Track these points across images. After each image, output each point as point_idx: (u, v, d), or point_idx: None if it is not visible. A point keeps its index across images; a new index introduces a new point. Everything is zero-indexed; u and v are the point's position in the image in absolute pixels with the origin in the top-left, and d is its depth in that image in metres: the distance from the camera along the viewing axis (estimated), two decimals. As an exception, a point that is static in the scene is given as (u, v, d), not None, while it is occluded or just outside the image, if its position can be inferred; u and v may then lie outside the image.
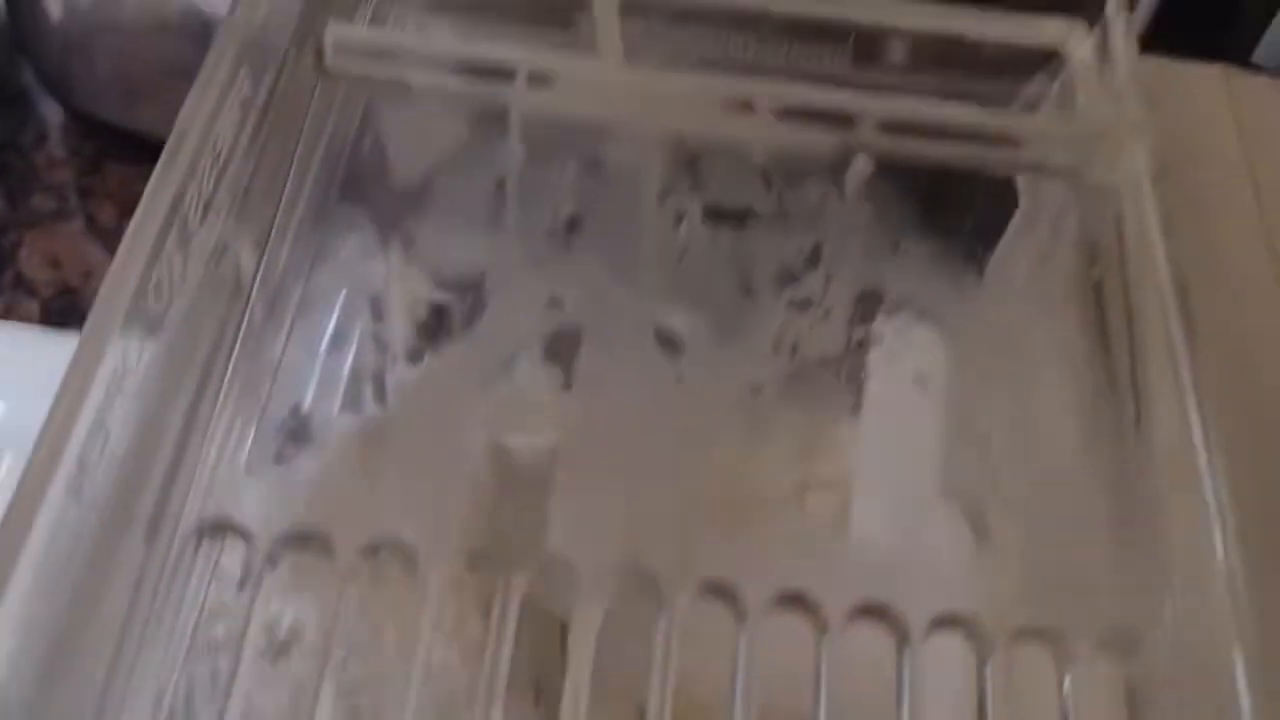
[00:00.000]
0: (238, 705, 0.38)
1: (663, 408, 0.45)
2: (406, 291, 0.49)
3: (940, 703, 0.39)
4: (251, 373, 0.42)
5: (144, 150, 0.74)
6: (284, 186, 0.44)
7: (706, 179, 0.49)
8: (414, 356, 0.50)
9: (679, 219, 0.49)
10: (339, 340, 0.49)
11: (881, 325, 0.49)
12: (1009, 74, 0.50)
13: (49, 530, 0.34)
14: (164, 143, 0.41)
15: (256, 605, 0.39)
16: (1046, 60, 0.50)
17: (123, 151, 0.75)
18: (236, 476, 0.40)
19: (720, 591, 0.39)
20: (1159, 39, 0.72)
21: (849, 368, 0.48)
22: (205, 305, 0.41)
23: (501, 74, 0.45)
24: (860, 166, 0.47)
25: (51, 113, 0.78)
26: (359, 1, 0.48)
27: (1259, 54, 0.74)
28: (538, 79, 0.44)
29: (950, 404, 0.47)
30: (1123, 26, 0.48)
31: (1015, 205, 0.49)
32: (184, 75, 0.72)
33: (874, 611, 0.39)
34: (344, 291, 0.48)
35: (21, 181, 0.74)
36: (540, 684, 0.40)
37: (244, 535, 0.39)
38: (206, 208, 0.41)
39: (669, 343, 0.47)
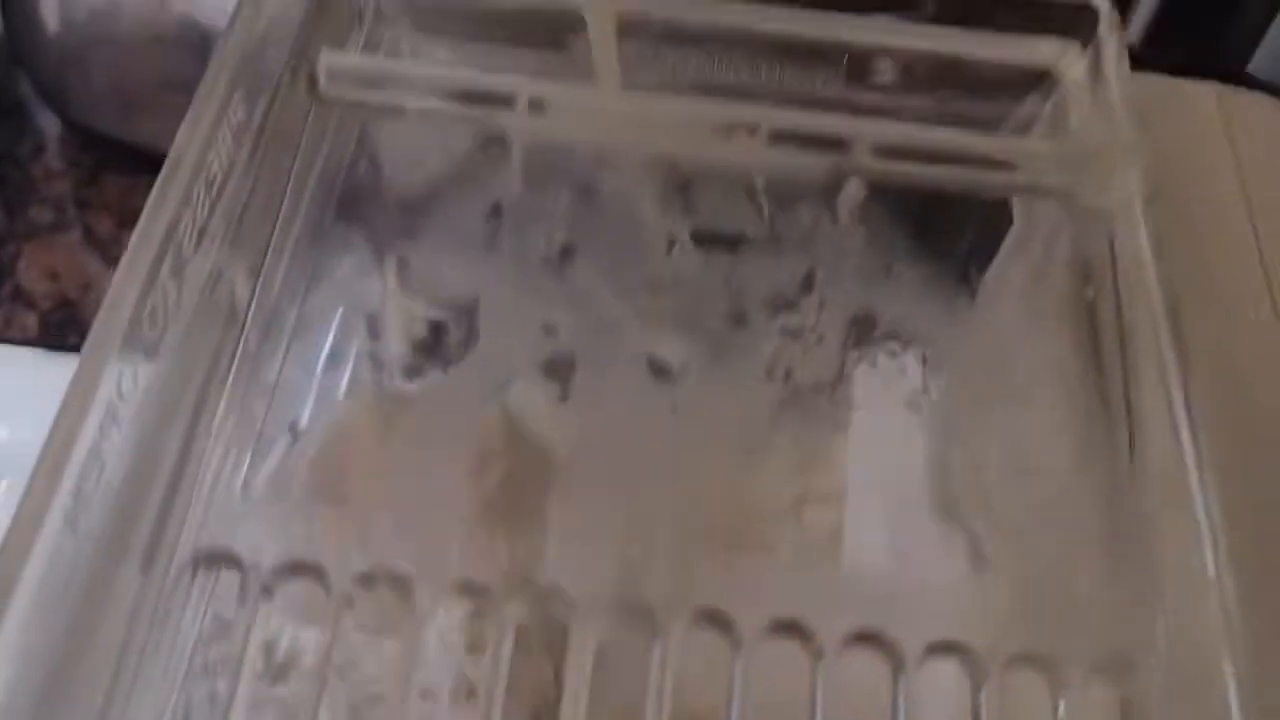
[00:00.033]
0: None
1: (657, 435, 0.45)
2: (403, 309, 0.49)
3: (935, 728, 0.39)
4: (247, 398, 0.43)
5: (142, 162, 0.74)
6: (279, 211, 0.44)
7: (699, 204, 0.49)
8: (410, 374, 0.50)
9: (671, 244, 0.49)
10: (335, 359, 0.49)
11: (873, 349, 0.49)
12: (1002, 94, 0.50)
13: (45, 562, 0.34)
14: (162, 155, 0.41)
15: (254, 629, 0.39)
16: (1040, 80, 0.50)
17: (120, 163, 0.75)
18: (232, 506, 0.41)
19: (715, 619, 0.39)
20: (1155, 48, 0.72)
21: (843, 392, 0.48)
22: (200, 332, 0.41)
23: (496, 100, 0.44)
24: (853, 190, 0.47)
25: (49, 124, 0.78)
26: (352, 25, 0.47)
27: (1255, 64, 0.74)
28: (532, 105, 0.44)
29: (943, 427, 0.47)
30: (1115, 47, 0.48)
31: (1009, 226, 0.49)
32: (181, 87, 0.72)
33: (869, 639, 0.39)
34: (340, 310, 0.48)
35: (19, 193, 0.74)
36: (537, 714, 0.40)
37: (239, 566, 0.39)
38: (201, 234, 0.41)
39: (663, 370, 0.47)
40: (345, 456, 0.47)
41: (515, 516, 0.41)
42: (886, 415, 0.48)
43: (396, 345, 0.49)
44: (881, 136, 0.44)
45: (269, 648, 0.41)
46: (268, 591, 0.39)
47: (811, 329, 0.49)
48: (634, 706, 0.38)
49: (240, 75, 0.43)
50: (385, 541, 0.40)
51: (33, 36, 0.73)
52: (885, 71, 0.50)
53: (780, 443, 0.47)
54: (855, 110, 0.49)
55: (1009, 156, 0.45)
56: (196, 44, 0.72)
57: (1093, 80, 0.48)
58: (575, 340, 0.47)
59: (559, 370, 0.47)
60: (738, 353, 0.49)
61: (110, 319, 0.37)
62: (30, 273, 0.71)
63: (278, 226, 0.44)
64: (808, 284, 0.50)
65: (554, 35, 0.49)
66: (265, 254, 0.44)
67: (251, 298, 0.43)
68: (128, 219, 0.74)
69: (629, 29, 0.46)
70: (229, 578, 0.39)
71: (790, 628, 0.39)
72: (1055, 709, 0.39)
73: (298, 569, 0.39)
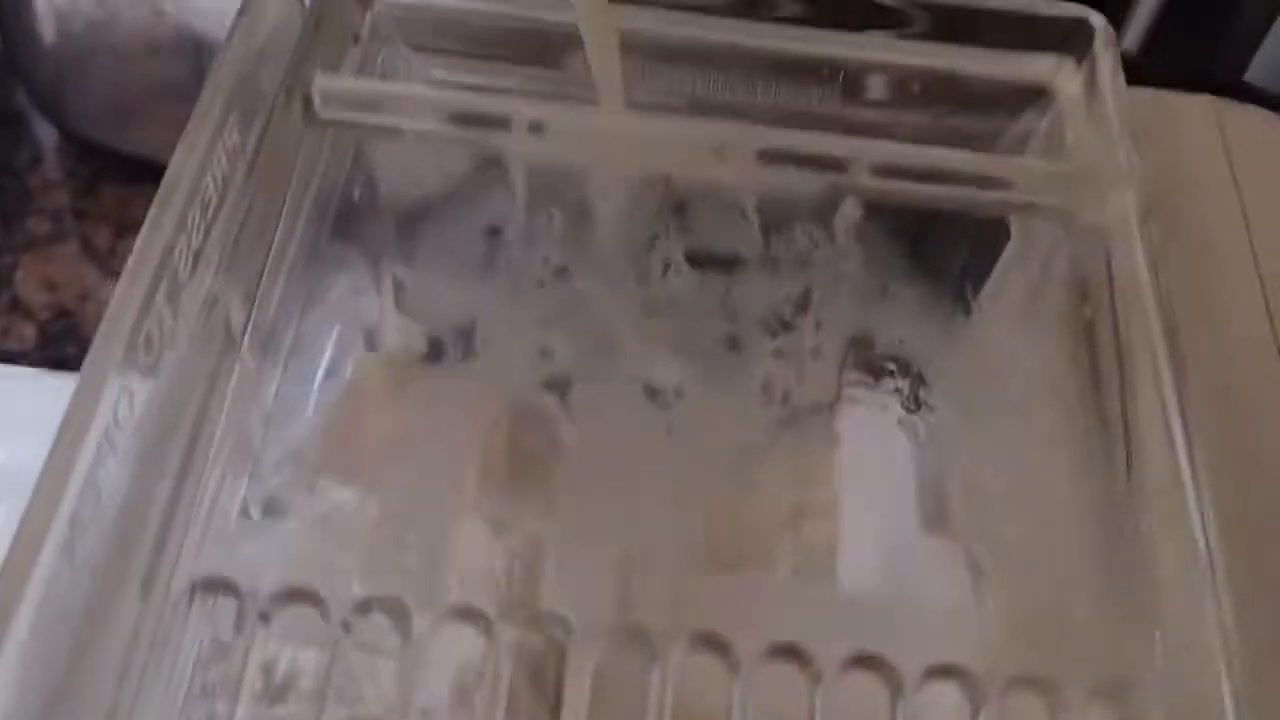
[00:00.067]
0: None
1: (654, 458, 0.45)
2: (400, 329, 0.49)
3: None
4: (243, 423, 0.43)
5: (139, 172, 0.74)
6: (274, 234, 0.44)
7: (694, 224, 0.49)
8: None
9: (666, 266, 0.49)
10: (333, 374, 0.49)
11: (870, 369, 0.49)
12: (998, 110, 0.50)
13: (43, 591, 0.34)
14: (159, 164, 0.41)
15: (253, 652, 0.39)
16: (1036, 96, 0.50)
17: (118, 173, 0.75)
18: (229, 532, 0.41)
19: (713, 643, 0.39)
20: (1152, 57, 0.72)
21: (840, 412, 0.48)
22: (196, 356, 0.41)
23: (492, 122, 0.44)
24: (849, 210, 0.47)
25: (46, 135, 0.78)
26: (348, 45, 0.47)
27: (1252, 73, 0.74)
28: (530, 127, 0.44)
29: (939, 446, 0.47)
30: (1110, 62, 0.48)
31: (1005, 241, 0.49)
32: (178, 97, 0.72)
33: (867, 662, 0.39)
34: (337, 328, 0.48)
35: (16, 204, 0.74)
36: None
37: (236, 593, 0.39)
38: (196, 258, 0.41)
39: (658, 393, 0.47)
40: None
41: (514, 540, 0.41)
42: (882, 434, 0.48)
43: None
44: (880, 156, 0.44)
45: (268, 669, 0.41)
46: (265, 618, 0.39)
47: (808, 350, 0.49)
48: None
49: (235, 97, 0.43)
50: (382, 567, 0.40)
51: (29, 47, 0.73)
52: (882, 88, 0.50)
53: (777, 464, 0.47)
54: (851, 126, 0.50)
55: (1005, 175, 0.45)
56: (193, 54, 0.72)
57: (1088, 96, 0.48)
58: (571, 362, 0.47)
59: (556, 391, 0.47)
60: (734, 374, 0.49)
61: (106, 345, 0.37)
62: (28, 284, 0.71)
63: (273, 249, 0.44)
64: (804, 304, 0.50)
65: (551, 53, 0.49)
66: (261, 277, 0.44)
67: (247, 321, 0.43)
68: (125, 229, 0.74)
69: (624, 47, 0.45)
70: (227, 604, 0.39)
71: (788, 651, 0.39)
72: (1055, 731, 0.39)
73: (295, 595, 0.39)
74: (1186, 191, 0.52)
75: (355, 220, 0.49)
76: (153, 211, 0.40)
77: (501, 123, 0.44)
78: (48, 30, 0.72)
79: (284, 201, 0.44)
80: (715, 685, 0.39)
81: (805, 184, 0.44)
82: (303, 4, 0.47)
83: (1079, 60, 0.49)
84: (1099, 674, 0.39)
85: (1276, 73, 0.73)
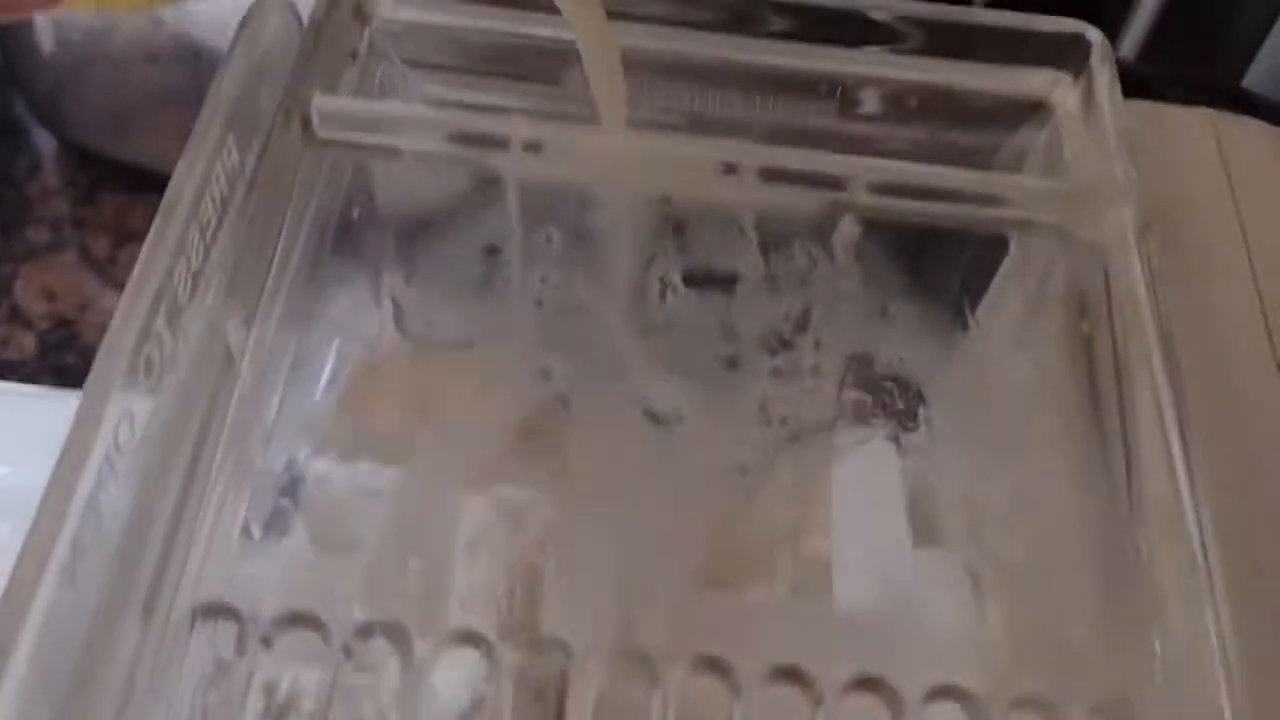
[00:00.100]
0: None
1: (653, 480, 0.45)
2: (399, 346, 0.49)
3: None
4: (245, 441, 0.43)
5: (138, 180, 0.75)
6: (274, 254, 0.44)
7: (691, 244, 0.50)
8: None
9: (665, 286, 0.50)
10: (333, 387, 0.49)
11: (869, 386, 0.49)
12: (996, 125, 0.50)
13: (44, 618, 0.34)
14: (158, 172, 0.41)
15: (255, 675, 0.40)
16: (1033, 111, 0.50)
17: (117, 181, 0.75)
18: (230, 556, 0.41)
19: (714, 667, 0.39)
20: (1150, 63, 0.72)
21: (839, 431, 0.48)
22: (196, 379, 0.41)
23: (492, 142, 0.44)
24: (847, 228, 0.47)
25: (45, 143, 0.78)
26: (346, 62, 0.47)
27: (1250, 79, 0.74)
28: (529, 146, 0.44)
29: (938, 464, 0.47)
30: (1107, 77, 0.48)
31: (1003, 258, 0.49)
32: (176, 105, 0.73)
33: (869, 684, 0.39)
34: (336, 346, 0.48)
35: (16, 213, 0.74)
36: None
37: (237, 619, 0.39)
38: (196, 280, 0.41)
39: (657, 415, 0.47)
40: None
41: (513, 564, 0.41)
42: (880, 453, 0.48)
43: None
44: (878, 175, 0.44)
45: (269, 689, 0.41)
46: (267, 642, 0.39)
47: (807, 369, 0.49)
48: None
49: (234, 116, 0.43)
50: (383, 591, 0.40)
51: (28, 56, 0.73)
52: (879, 103, 0.50)
53: (777, 483, 0.47)
54: (849, 142, 0.50)
55: (1003, 193, 0.45)
56: (191, 62, 0.72)
57: (1085, 110, 0.48)
58: (570, 383, 0.47)
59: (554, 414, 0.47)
60: (733, 394, 0.49)
61: (106, 368, 0.37)
62: (27, 293, 0.71)
63: (273, 269, 0.44)
64: (803, 323, 0.50)
65: (550, 69, 0.49)
66: (260, 298, 0.43)
67: (247, 342, 0.43)
68: (124, 238, 0.74)
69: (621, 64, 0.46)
70: (228, 628, 0.40)
71: (790, 674, 0.40)
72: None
73: (296, 620, 0.39)
74: (1184, 205, 0.52)
75: (354, 239, 0.49)
76: (152, 233, 0.40)
77: (501, 142, 0.44)
78: (46, 39, 0.72)
79: (283, 221, 0.44)
80: (717, 708, 0.39)
81: (804, 202, 0.44)
82: (301, 22, 0.47)
83: (1076, 75, 0.49)
84: (1100, 693, 0.39)
85: (1274, 78, 0.73)
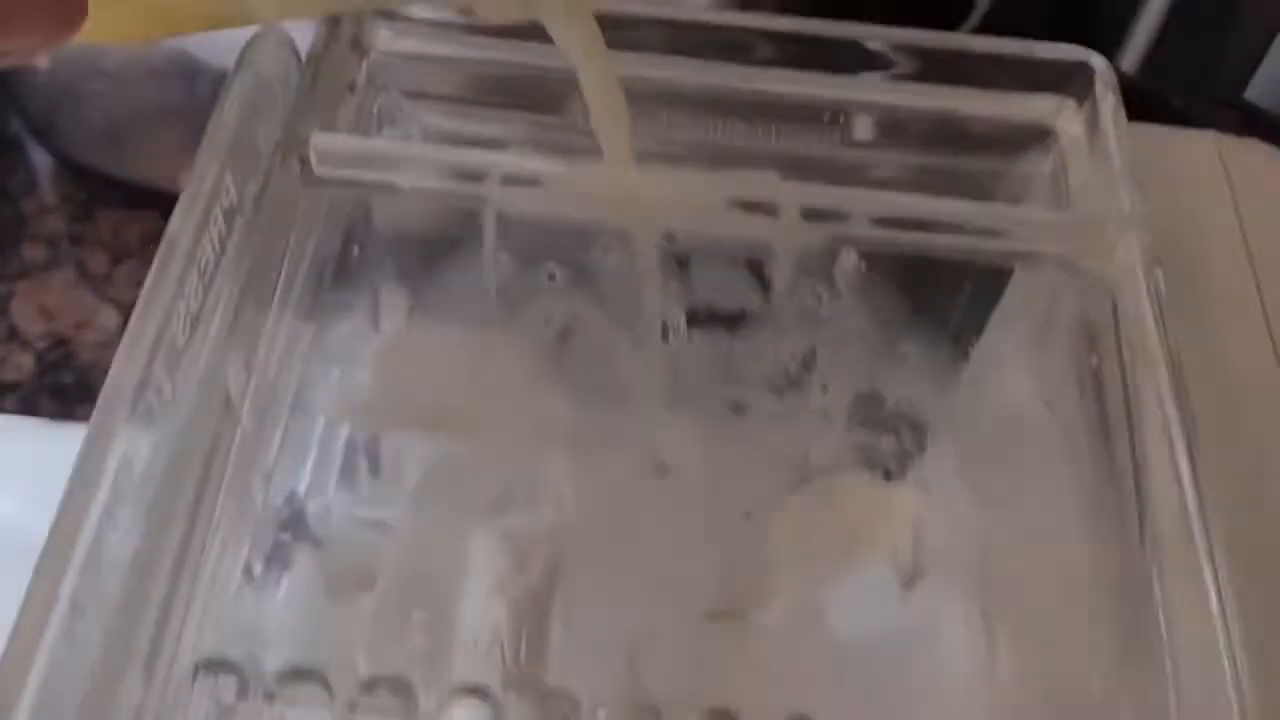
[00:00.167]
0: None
1: (659, 529, 0.45)
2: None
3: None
4: (245, 491, 0.42)
5: (135, 196, 0.74)
6: (273, 295, 0.44)
7: (693, 281, 0.49)
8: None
9: (668, 327, 0.49)
10: (333, 429, 0.49)
11: (875, 424, 0.49)
12: (1000, 152, 0.50)
13: (43, 678, 0.33)
14: (154, 188, 0.41)
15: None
16: (1038, 138, 0.49)
17: (114, 198, 0.75)
18: (231, 607, 0.40)
19: (724, 717, 0.39)
20: (1152, 77, 0.72)
21: (847, 471, 0.48)
22: (196, 425, 0.41)
23: (493, 178, 0.44)
24: (848, 261, 0.47)
25: (41, 160, 0.78)
26: (344, 95, 0.47)
27: (1251, 91, 0.74)
28: (529, 182, 0.44)
29: (947, 503, 0.47)
30: (1112, 102, 0.47)
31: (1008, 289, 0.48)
32: (173, 121, 0.72)
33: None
34: (337, 385, 0.48)
35: (12, 230, 0.74)
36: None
37: (240, 673, 0.39)
38: (195, 323, 0.41)
39: (662, 461, 0.47)
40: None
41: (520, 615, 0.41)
42: (888, 492, 0.48)
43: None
44: (882, 208, 0.44)
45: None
46: (270, 697, 0.39)
47: (815, 410, 0.49)
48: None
49: (232, 156, 0.43)
50: (387, 643, 0.40)
51: (23, 72, 0.73)
52: (884, 131, 0.49)
53: (785, 526, 0.46)
54: (855, 168, 0.49)
55: (1009, 226, 0.44)
56: (188, 77, 0.71)
57: (1090, 137, 0.48)
58: (573, 428, 0.47)
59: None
60: (739, 438, 0.48)
61: (105, 419, 0.37)
62: (24, 312, 0.70)
63: (272, 310, 0.44)
64: (808, 362, 0.50)
65: (550, 99, 0.49)
66: (260, 340, 0.43)
67: (247, 387, 0.42)
68: (122, 254, 0.74)
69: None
70: (229, 682, 0.39)
71: (801, 722, 0.39)
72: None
73: (299, 675, 0.39)
74: (1190, 230, 0.51)
75: (354, 277, 0.49)
76: (150, 277, 0.40)
77: (503, 179, 0.44)
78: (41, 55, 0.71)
79: (282, 262, 0.44)
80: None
81: (807, 236, 0.44)
82: (298, 55, 0.47)
83: (1080, 101, 0.48)
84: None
85: (1276, 91, 0.73)
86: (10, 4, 0.29)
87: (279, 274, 0.44)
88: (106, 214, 0.75)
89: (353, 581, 0.43)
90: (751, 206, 0.44)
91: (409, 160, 0.45)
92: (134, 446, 0.37)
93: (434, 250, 0.50)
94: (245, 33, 0.46)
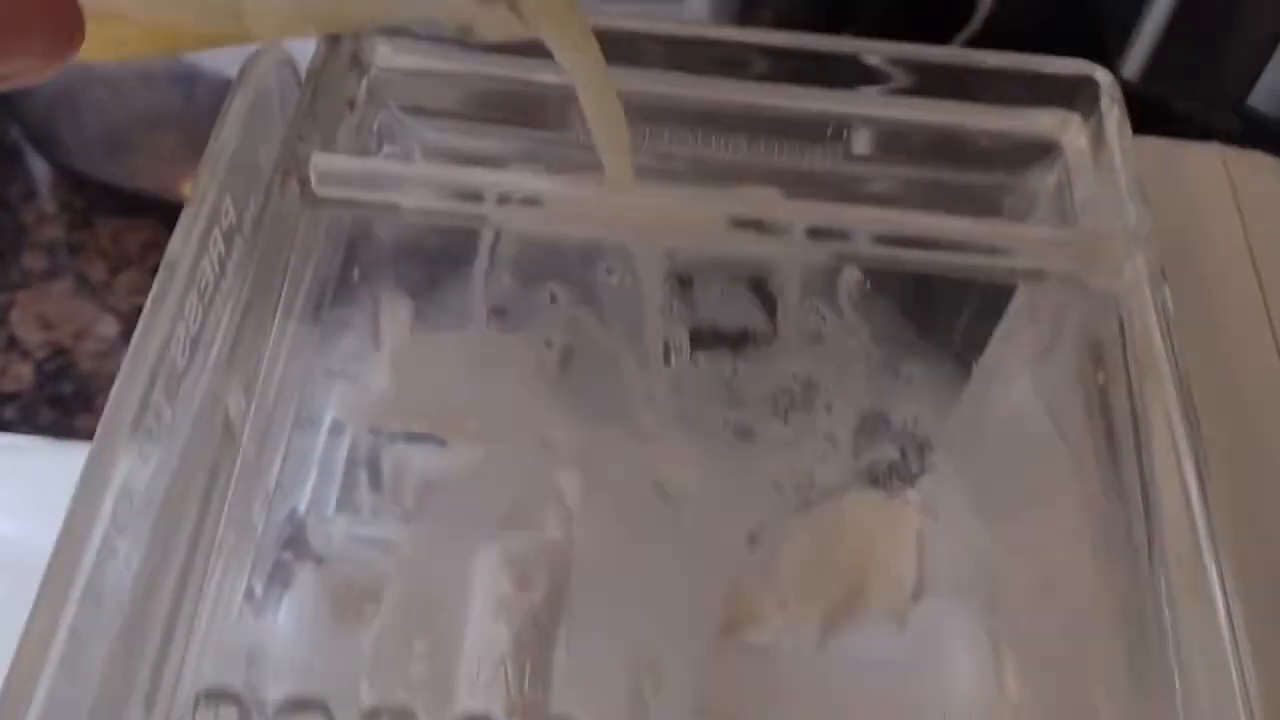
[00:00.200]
0: None
1: (663, 551, 0.45)
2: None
3: None
4: (245, 517, 0.42)
5: (134, 203, 0.74)
6: (273, 317, 0.43)
7: (696, 302, 0.49)
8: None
9: (670, 349, 0.49)
10: (336, 432, 0.49)
11: (880, 448, 0.48)
12: (1005, 166, 0.49)
13: (43, 711, 0.33)
14: (153, 196, 0.41)
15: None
16: (1043, 152, 0.49)
17: (113, 205, 0.75)
18: (232, 636, 0.40)
19: (730, 743, 0.39)
20: (1154, 84, 0.71)
21: (854, 495, 0.48)
22: (195, 451, 0.40)
23: (493, 197, 0.44)
24: (852, 279, 0.46)
25: (39, 168, 0.78)
26: (343, 112, 0.47)
27: (1254, 98, 0.74)
28: (530, 202, 0.43)
29: (952, 527, 0.46)
30: (1117, 117, 0.47)
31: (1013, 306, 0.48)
32: (171, 128, 0.72)
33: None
34: (337, 406, 0.48)
35: (11, 240, 0.74)
36: None
37: (241, 704, 0.39)
38: (194, 346, 0.41)
39: (666, 483, 0.47)
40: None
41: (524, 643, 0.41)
42: (893, 513, 0.47)
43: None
44: (886, 225, 0.43)
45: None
46: (272, 728, 0.39)
47: (819, 432, 0.49)
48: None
49: (231, 176, 0.43)
50: (390, 672, 0.40)
51: (20, 83, 0.72)
52: (888, 146, 0.49)
53: (790, 549, 0.46)
54: (858, 183, 0.49)
55: (1014, 244, 0.44)
56: (187, 82, 0.71)
57: (1095, 151, 0.48)
58: (577, 453, 0.47)
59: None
60: (743, 459, 0.48)
61: (104, 446, 0.37)
62: (24, 322, 0.70)
63: (273, 331, 0.43)
64: (812, 382, 0.49)
65: (550, 115, 0.49)
66: (260, 361, 0.43)
67: (248, 412, 0.42)
68: (121, 263, 0.74)
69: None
70: (230, 713, 0.39)
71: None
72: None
73: (301, 705, 0.39)
74: (1196, 243, 0.51)
75: (355, 296, 0.48)
76: (150, 301, 0.39)
77: (503, 199, 0.43)
78: (38, 63, 0.71)
79: (283, 283, 0.44)
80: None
81: (810, 254, 0.44)
82: (297, 72, 0.46)
83: (1085, 116, 0.48)
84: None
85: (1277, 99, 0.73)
86: (6, 26, 0.29)
87: (279, 295, 0.43)
88: (105, 222, 0.75)
89: (355, 602, 0.42)
90: (754, 225, 0.43)
91: (409, 180, 0.44)
92: (134, 472, 0.37)
93: (435, 270, 0.49)
94: (246, 37, 0.46)
